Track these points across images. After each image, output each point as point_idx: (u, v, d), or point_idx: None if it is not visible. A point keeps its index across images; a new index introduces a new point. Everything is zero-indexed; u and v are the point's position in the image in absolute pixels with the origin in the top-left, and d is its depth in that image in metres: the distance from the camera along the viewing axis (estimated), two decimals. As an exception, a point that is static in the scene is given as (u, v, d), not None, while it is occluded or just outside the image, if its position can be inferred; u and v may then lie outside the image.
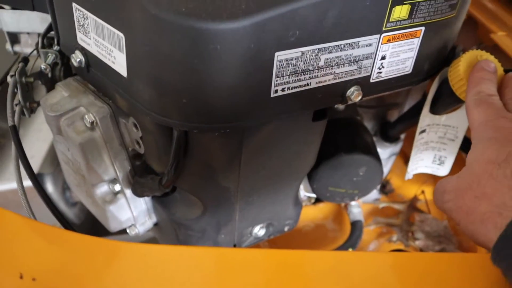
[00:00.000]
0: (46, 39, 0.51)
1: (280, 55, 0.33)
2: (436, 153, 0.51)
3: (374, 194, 0.69)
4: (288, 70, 0.34)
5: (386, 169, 0.66)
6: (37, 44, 0.49)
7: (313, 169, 0.49)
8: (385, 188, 0.70)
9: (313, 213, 0.70)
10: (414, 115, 0.52)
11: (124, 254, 0.29)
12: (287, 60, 0.33)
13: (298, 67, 0.34)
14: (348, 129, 0.51)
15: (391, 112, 0.61)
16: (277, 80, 0.34)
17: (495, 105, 0.36)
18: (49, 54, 0.47)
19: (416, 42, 0.41)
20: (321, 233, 0.70)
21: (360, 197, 0.53)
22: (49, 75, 0.48)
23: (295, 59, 0.34)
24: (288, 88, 0.35)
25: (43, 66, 0.45)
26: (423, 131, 0.49)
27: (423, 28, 0.40)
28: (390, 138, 0.60)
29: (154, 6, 0.30)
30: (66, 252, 0.27)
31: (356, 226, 0.62)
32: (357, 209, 0.64)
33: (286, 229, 0.53)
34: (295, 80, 0.35)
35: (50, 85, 0.49)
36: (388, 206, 0.67)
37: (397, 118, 0.59)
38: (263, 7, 0.30)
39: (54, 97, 0.42)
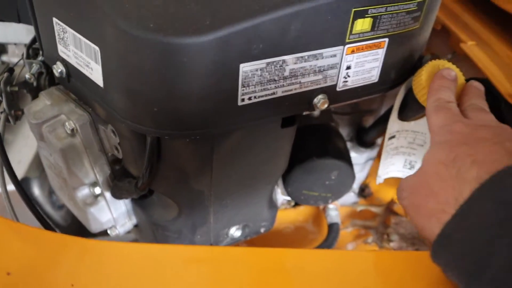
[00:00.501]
0: (32, 50, 0.53)
1: (245, 67, 0.35)
2: (406, 157, 0.54)
3: (353, 197, 0.71)
4: (254, 80, 0.36)
5: (363, 173, 0.69)
6: (23, 54, 0.51)
7: (287, 173, 0.51)
8: (364, 191, 0.72)
9: (293, 216, 0.72)
10: (387, 120, 0.55)
11: (96, 251, 0.31)
12: (252, 71, 0.36)
13: (264, 77, 0.37)
14: (321, 134, 0.53)
15: (367, 118, 0.63)
16: (243, 90, 0.36)
17: (452, 111, 0.38)
18: (34, 64, 0.49)
19: (380, 53, 0.43)
20: (301, 235, 0.72)
21: (334, 200, 0.56)
22: (34, 84, 0.50)
23: (260, 70, 0.36)
24: (255, 97, 0.37)
25: (27, 76, 0.47)
26: (393, 137, 0.51)
27: (387, 40, 0.42)
28: (366, 144, 0.63)
29: (124, 22, 0.32)
30: (40, 249, 0.29)
31: (332, 228, 0.64)
32: (334, 212, 0.66)
33: (262, 230, 0.55)
34: (261, 89, 0.37)
35: (35, 94, 0.51)
36: (366, 209, 0.70)
37: (372, 124, 0.61)
38: (226, 22, 0.32)
39: (37, 105, 0.44)
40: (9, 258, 0.27)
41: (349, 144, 0.63)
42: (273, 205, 0.53)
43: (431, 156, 0.34)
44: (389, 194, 0.73)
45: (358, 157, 0.64)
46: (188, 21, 0.32)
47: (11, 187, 0.51)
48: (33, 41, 0.50)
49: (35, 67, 0.49)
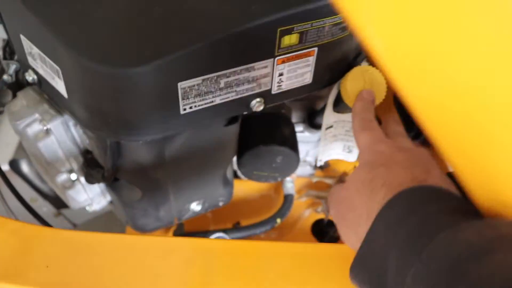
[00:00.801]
0: (8, 47, 0.59)
1: (183, 84, 0.41)
2: (345, 143, 0.61)
3: (310, 170, 0.80)
4: (192, 93, 0.43)
5: (318, 149, 0.76)
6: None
7: (239, 157, 0.59)
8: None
9: (258, 186, 0.81)
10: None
11: (69, 239, 0.40)
12: (189, 87, 0.42)
13: (201, 90, 0.43)
14: (269, 123, 0.60)
15: (318, 102, 0.69)
16: (183, 102, 0.43)
17: (375, 131, 0.43)
18: (11, 64, 0.55)
19: (311, 60, 0.49)
20: (266, 202, 0.81)
21: (282, 178, 0.64)
22: (14, 79, 0.56)
23: (197, 85, 0.43)
24: (195, 106, 0.44)
25: (5, 78, 0.54)
26: (330, 126, 0.59)
27: (316, 49, 0.48)
28: (316, 125, 0.70)
29: (77, 53, 0.38)
30: (22, 239, 0.38)
31: (287, 199, 0.73)
32: (290, 184, 0.75)
33: (220, 204, 0.64)
34: (200, 100, 0.44)
35: (16, 88, 0.58)
36: (321, 180, 0.78)
37: (321, 108, 0.68)
38: (162, 52, 0.38)
39: (15, 105, 0.51)
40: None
41: (302, 125, 0.70)
42: (227, 183, 0.62)
43: (355, 174, 0.39)
44: (345, 166, 0.81)
45: (311, 136, 0.72)
46: (130, 53, 0.38)
47: (3, 167, 0.59)
48: (8, 41, 0.56)
49: (12, 67, 0.55)
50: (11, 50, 0.58)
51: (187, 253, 0.41)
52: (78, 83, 0.40)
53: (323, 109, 0.69)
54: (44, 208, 0.73)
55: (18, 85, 0.57)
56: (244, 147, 0.58)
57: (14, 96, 0.59)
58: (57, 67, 0.42)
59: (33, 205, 0.70)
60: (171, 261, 0.40)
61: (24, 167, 0.69)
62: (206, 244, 0.45)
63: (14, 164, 0.66)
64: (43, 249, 0.37)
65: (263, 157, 0.59)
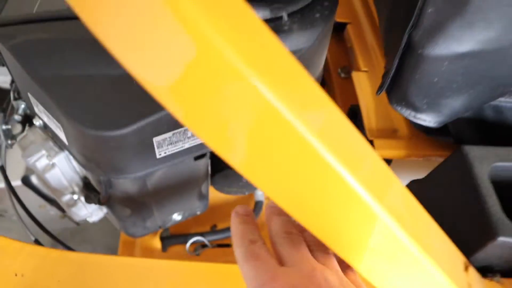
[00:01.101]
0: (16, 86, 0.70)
1: (157, 138, 0.53)
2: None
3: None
4: (166, 143, 0.55)
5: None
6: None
7: (212, 176, 0.72)
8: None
9: (234, 190, 0.94)
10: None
11: (75, 260, 0.52)
12: (162, 139, 0.54)
13: (172, 140, 0.55)
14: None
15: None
16: (158, 149, 0.55)
17: (262, 259, 0.33)
18: (20, 104, 0.66)
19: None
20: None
21: (249, 193, 0.76)
22: (23, 115, 0.68)
23: (169, 137, 0.54)
24: (168, 151, 0.56)
25: (16, 118, 0.65)
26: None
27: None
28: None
29: (70, 118, 0.49)
30: (38, 260, 0.51)
31: (257, 205, 0.85)
32: (260, 192, 0.87)
33: (198, 212, 0.77)
34: (172, 147, 0.56)
35: (25, 121, 0.69)
36: (288, 186, 0.90)
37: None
38: (138, 118, 0.50)
39: (25, 142, 0.63)
40: (19, 266, 0.49)
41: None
42: (203, 197, 0.74)
43: None
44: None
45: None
46: (111, 119, 0.49)
47: (16, 182, 0.72)
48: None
49: (21, 107, 0.66)
50: (18, 88, 0.69)
51: (184, 275, 0.54)
52: (75, 139, 0.52)
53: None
54: (51, 212, 0.86)
55: (27, 118, 0.69)
56: (215, 169, 0.70)
57: (23, 127, 0.70)
58: (58, 124, 0.53)
59: (42, 210, 0.83)
60: (165, 283, 0.53)
61: (34, 180, 0.81)
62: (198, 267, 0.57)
63: (25, 179, 0.78)
64: (55, 268, 0.50)
65: (231, 177, 0.71)
